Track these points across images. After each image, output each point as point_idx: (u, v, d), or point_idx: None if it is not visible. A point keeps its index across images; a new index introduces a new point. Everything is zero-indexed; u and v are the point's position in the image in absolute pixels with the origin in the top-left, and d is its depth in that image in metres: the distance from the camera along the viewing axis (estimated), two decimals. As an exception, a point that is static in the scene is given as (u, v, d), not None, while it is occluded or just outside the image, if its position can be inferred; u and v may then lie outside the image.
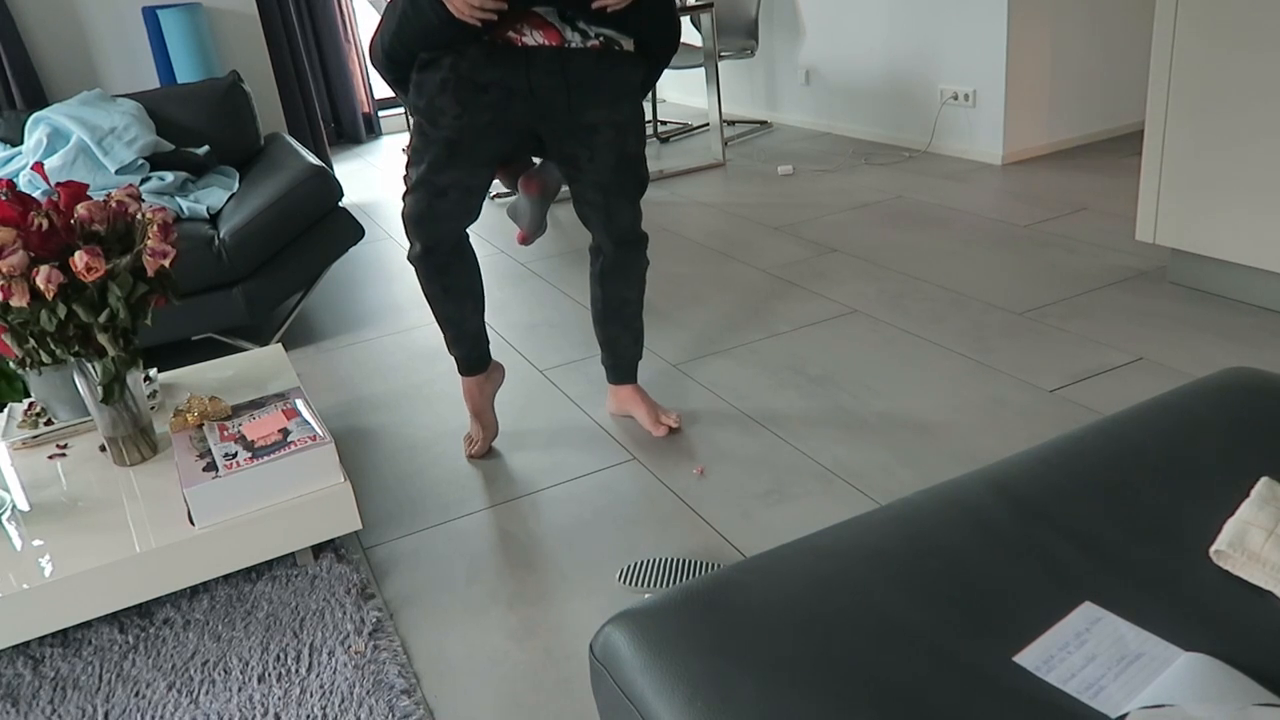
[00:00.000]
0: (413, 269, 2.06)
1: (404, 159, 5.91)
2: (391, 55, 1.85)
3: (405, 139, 3.70)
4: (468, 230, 2.01)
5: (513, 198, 2.23)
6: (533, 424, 2.34)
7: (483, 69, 1.79)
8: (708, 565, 1.72)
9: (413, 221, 1.93)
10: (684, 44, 5.44)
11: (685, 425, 2.25)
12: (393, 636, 1.63)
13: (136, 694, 1.56)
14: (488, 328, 2.39)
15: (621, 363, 2.25)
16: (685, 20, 5.84)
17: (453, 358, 2.18)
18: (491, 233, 3.90)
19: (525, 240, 2.23)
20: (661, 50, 1.97)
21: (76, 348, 1.74)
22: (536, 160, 2.20)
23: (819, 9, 4.87)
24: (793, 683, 0.82)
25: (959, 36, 4.10)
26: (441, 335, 2.19)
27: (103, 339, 1.73)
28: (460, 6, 1.67)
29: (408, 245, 2.01)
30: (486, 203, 3.67)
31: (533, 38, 1.78)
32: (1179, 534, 0.97)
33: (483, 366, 2.18)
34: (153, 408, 2.17)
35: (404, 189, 1.93)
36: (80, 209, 1.72)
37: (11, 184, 1.69)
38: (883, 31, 4.50)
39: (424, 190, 1.89)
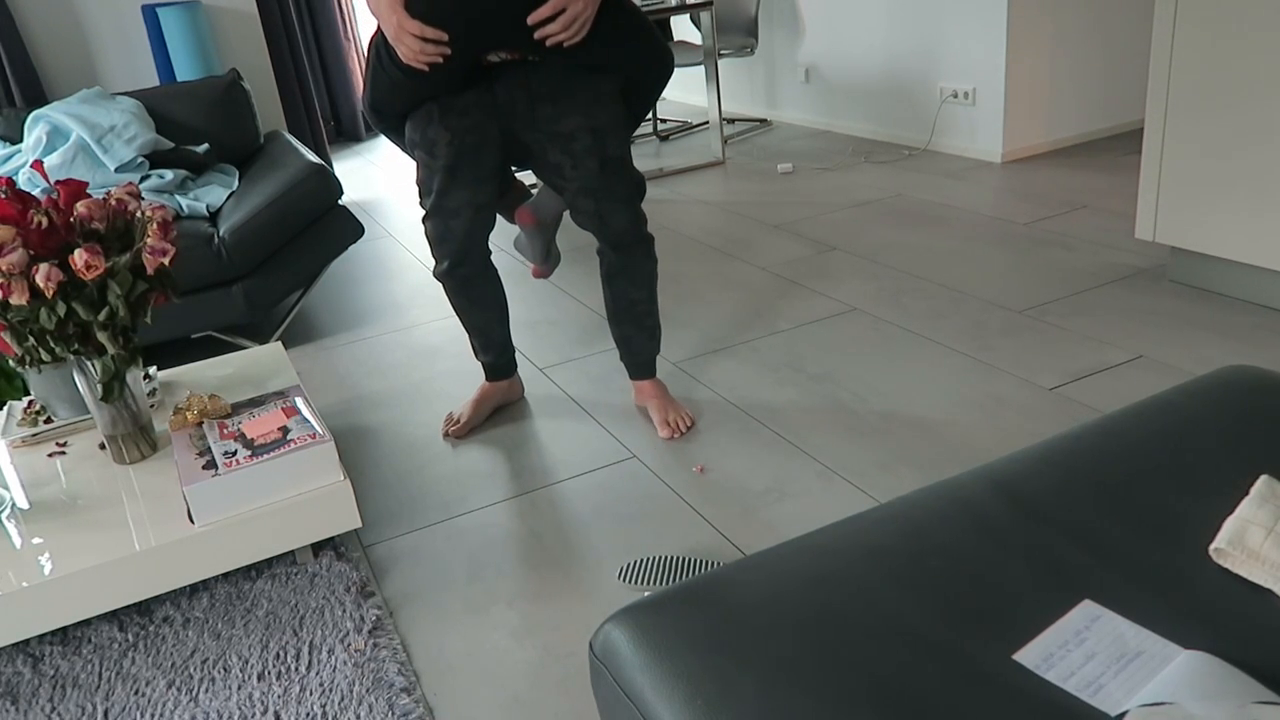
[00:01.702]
0: (438, 282, 2.21)
1: (400, 156, 5.89)
2: (376, 109, 2.00)
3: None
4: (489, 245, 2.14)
5: (517, 234, 2.28)
6: (532, 422, 2.34)
7: (460, 93, 1.91)
8: (707, 563, 1.72)
9: (435, 243, 2.08)
10: (684, 42, 5.44)
11: (685, 423, 2.25)
12: (392, 634, 1.63)
13: (136, 692, 1.56)
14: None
15: (638, 359, 2.27)
16: (685, 18, 5.84)
17: (480, 364, 2.35)
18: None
19: (539, 274, 2.28)
20: (649, 83, 2.01)
21: (76, 346, 1.74)
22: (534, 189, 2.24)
23: (819, 7, 4.87)
24: (792, 680, 0.82)
25: (959, 34, 4.09)
26: (468, 341, 2.36)
27: (102, 337, 1.73)
28: (406, 53, 1.77)
29: (433, 263, 2.16)
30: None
31: (497, 55, 1.87)
32: (1179, 532, 0.97)
33: (508, 373, 2.38)
34: (152, 406, 2.17)
35: (422, 215, 2.07)
36: (80, 207, 1.72)
37: (11, 182, 1.69)
38: (882, 29, 4.49)
39: (438, 215, 2.03)
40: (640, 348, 2.25)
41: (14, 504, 1.83)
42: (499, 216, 2.17)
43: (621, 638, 0.92)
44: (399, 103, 1.95)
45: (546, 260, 2.28)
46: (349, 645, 1.61)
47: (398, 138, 2.06)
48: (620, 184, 2.01)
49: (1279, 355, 2.25)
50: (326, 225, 2.93)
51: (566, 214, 2.17)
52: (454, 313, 2.36)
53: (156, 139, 3.26)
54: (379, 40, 1.89)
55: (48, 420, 2.13)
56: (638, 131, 5.52)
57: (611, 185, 2.00)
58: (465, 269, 2.12)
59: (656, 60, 1.98)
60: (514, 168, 2.16)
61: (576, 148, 1.94)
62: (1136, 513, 1.00)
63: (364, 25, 6.38)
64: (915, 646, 0.85)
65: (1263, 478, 0.99)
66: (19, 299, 1.62)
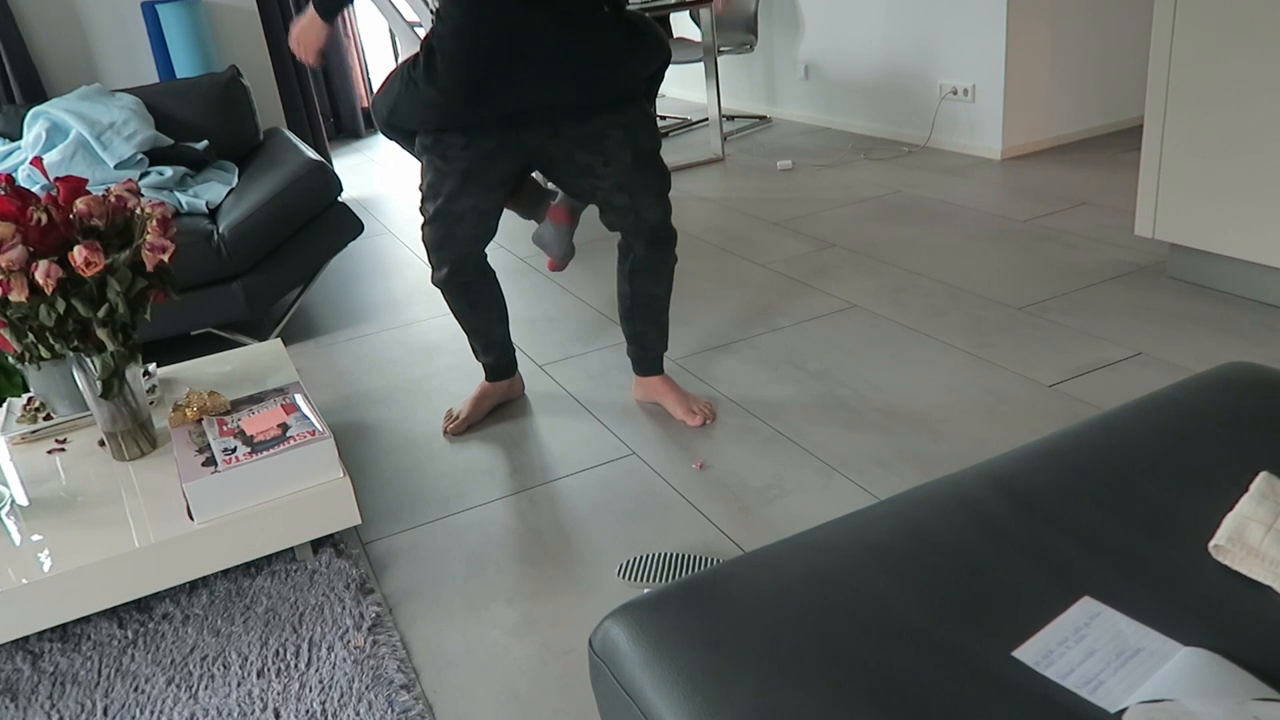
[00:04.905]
0: (437, 289, 2.20)
1: (400, 153, 5.88)
2: (392, 124, 1.98)
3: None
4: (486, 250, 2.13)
5: (538, 228, 2.28)
6: (532, 419, 2.34)
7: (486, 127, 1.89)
8: (707, 560, 1.72)
9: (435, 248, 2.05)
10: (683, 38, 5.43)
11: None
12: (392, 631, 1.63)
13: (135, 689, 1.56)
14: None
15: (649, 355, 2.27)
16: (684, 15, 5.83)
17: (481, 365, 2.34)
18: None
19: (556, 267, 2.29)
20: (658, 76, 2.02)
21: (75, 342, 1.74)
22: (551, 188, 2.23)
23: (818, 4, 4.86)
24: (792, 677, 0.82)
25: (958, 31, 4.09)
26: (468, 343, 2.36)
27: (102, 334, 1.73)
28: (297, 49, 1.88)
29: (430, 270, 2.13)
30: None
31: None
32: (1178, 529, 0.97)
33: (509, 373, 2.37)
34: (152, 403, 2.17)
35: (422, 220, 2.04)
36: (79, 204, 1.72)
37: (10, 179, 1.69)
38: (882, 26, 4.49)
39: (442, 219, 2.00)
40: (653, 344, 2.25)
41: (13, 501, 1.83)
42: (503, 212, 2.16)
43: (621, 634, 0.92)
44: (423, 122, 1.92)
45: (569, 254, 2.29)
46: (348, 642, 1.61)
47: (407, 145, 2.04)
48: (653, 176, 2.00)
49: (1278, 352, 2.25)
50: (326, 222, 2.93)
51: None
52: (453, 316, 2.37)
53: (156, 136, 3.26)
54: (412, 62, 1.86)
55: (47, 417, 2.13)
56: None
57: (645, 178, 1.99)
58: (464, 275, 2.11)
59: (665, 59, 1.99)
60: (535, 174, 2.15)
61: (608, 144, 1.92)
62: (1136, 509, 1.00)
63: (364, 22, 6.38)
64: (915, 643, 0.85)
65: (1262, 474, 0.99)
66: (18, 296, 1.62)
